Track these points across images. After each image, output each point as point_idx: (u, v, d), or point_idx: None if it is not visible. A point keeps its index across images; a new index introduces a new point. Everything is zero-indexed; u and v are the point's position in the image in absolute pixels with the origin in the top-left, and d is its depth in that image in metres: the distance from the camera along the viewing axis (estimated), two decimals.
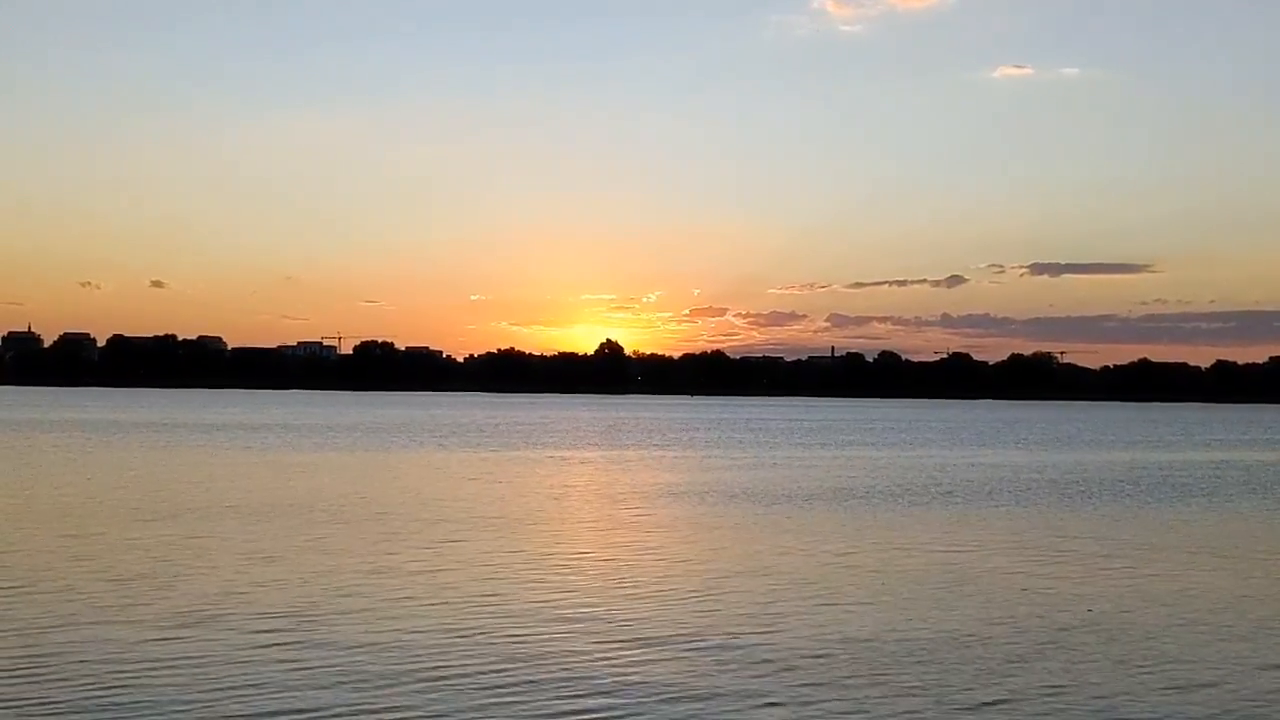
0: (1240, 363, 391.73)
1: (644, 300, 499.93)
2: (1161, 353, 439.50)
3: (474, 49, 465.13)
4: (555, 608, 25.68)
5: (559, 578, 29.72)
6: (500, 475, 62.14)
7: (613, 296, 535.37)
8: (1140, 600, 28.01)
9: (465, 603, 25.99)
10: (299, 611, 24.49)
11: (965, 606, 26.79)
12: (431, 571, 30.01)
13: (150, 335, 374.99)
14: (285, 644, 21.60)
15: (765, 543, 37.06)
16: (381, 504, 46.27)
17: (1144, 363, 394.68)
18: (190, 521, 39.43)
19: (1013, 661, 21.66)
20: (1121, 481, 64.83)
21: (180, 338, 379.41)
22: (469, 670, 20.21)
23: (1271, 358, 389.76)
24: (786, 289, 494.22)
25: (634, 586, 28.63)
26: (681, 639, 22.89)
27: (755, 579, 30.00)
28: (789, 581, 29.72)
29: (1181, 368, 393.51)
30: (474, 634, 22.97)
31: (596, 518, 43.73)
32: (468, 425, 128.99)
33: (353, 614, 24.47)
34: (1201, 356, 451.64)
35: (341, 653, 21.04)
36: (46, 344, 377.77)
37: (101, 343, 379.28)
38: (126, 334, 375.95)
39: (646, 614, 25.23)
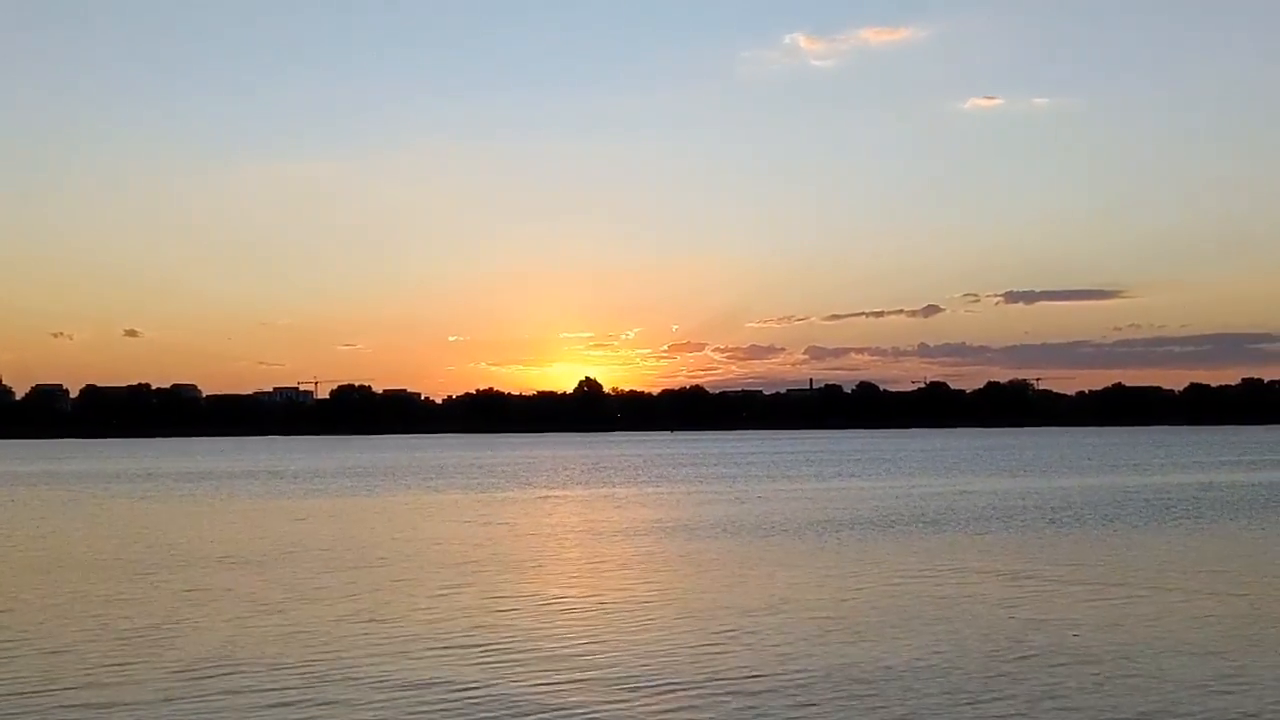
0: (1213, 385, 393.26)
1: (622, 337, 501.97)
2: (1136, 377, 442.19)
3: (449, 91, 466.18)
4: (557, 652, 26.09)
5: (561, 621, 30.13)
6: (492, 517, 62.52)
7: (591, 334, 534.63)
8: (1123, 624, 28.57)
9: (472, 650, 26.32)
10: (304, 666, 24.64)
11: (949, 633, 27.35)
12: (434, 620, 30.28)
13: (124, 385, 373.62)
14: (293, 703, 21.63)
15: (752, 576, 37.58)
16: (377, 550, 46.59)
17: (1119, 387, 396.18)
18: (185, 573, 39.73)
19: (996, 687, 22.19)
20: (1101, 505, 65.44)
21: (154, 386, 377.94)
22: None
23: (1244, 379, 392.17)
24: (764, 323, 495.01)
25: (629, 628, 29.06)
26: (669, 671, 23.40)
27: (741, 612, 30.51)
28: (775, 613, 30.26)
29: (1155, 391, 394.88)
30: (482, 684, 23.34)
31: (590, 557, 44.15)
32: (452, 467, 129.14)
33: (358, 666, 24.76)
34: (1175, 379, 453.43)
35: (350, 710, 21.27)
36: (18, 396, 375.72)
37: (74, 393, 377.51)
38: (99, 384, 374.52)
39: (640, 652, 25.69)
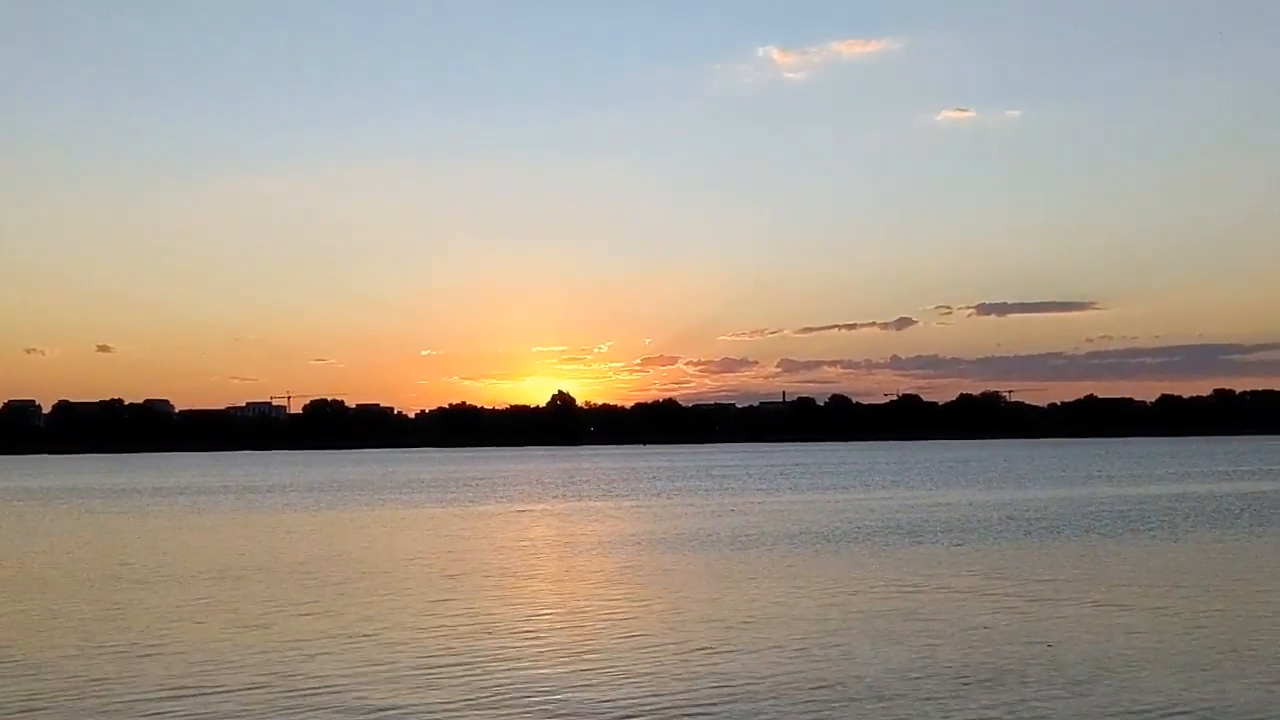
0: (1185, 396, 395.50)
1: (595, 351, 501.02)
2: (1107, 388, 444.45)
3: (423, 107, 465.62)
4: (542, 669, 26.37)
5: (546, 637, 30.36)
6: (471, 531, 62.70)
7: (564, 348, 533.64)
8: (1097, 634, 28.92)
9: (458, 667, 26.56)
10: (287, 684, 24.80)
11: (925, 644, 27.66)
12: (419, 637, 30.47)
13: (96, 400, 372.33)
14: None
15: (728, 589, 37.82)
16: (358, 565, 46.70)
17: (1090, 399, 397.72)
18: (165, 588, 39.84)
19: (971, 699, 22.49)
20: (1075, 517, 65.85)
21: (127, 402, 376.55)
22: None
23: (1215, 390, 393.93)
24: (737, 336, 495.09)
25: (611, 645, 29.32)
26: (649, 687, 23.66)
27: (718, 625, 30.78)
28: (751, 627, 30.52)
29: (1127, 403, 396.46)
30: (466, 703, 23.56)
31: (570, 572, 44.33)
32: (428, 481, 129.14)
33: (343, 685, 24.89)
34: (1147, 391, 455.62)
35: None
36: None
37: (47, 409, 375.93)
38: (72, 400, 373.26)
39: (620, 668, 25.96)
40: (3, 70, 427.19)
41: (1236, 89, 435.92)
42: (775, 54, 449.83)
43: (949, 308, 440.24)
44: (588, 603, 35.86)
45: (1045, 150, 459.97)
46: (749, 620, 31.64)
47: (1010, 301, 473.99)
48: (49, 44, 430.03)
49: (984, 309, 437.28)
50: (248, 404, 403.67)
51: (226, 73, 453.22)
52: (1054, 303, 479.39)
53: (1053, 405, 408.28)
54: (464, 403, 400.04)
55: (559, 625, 31.56)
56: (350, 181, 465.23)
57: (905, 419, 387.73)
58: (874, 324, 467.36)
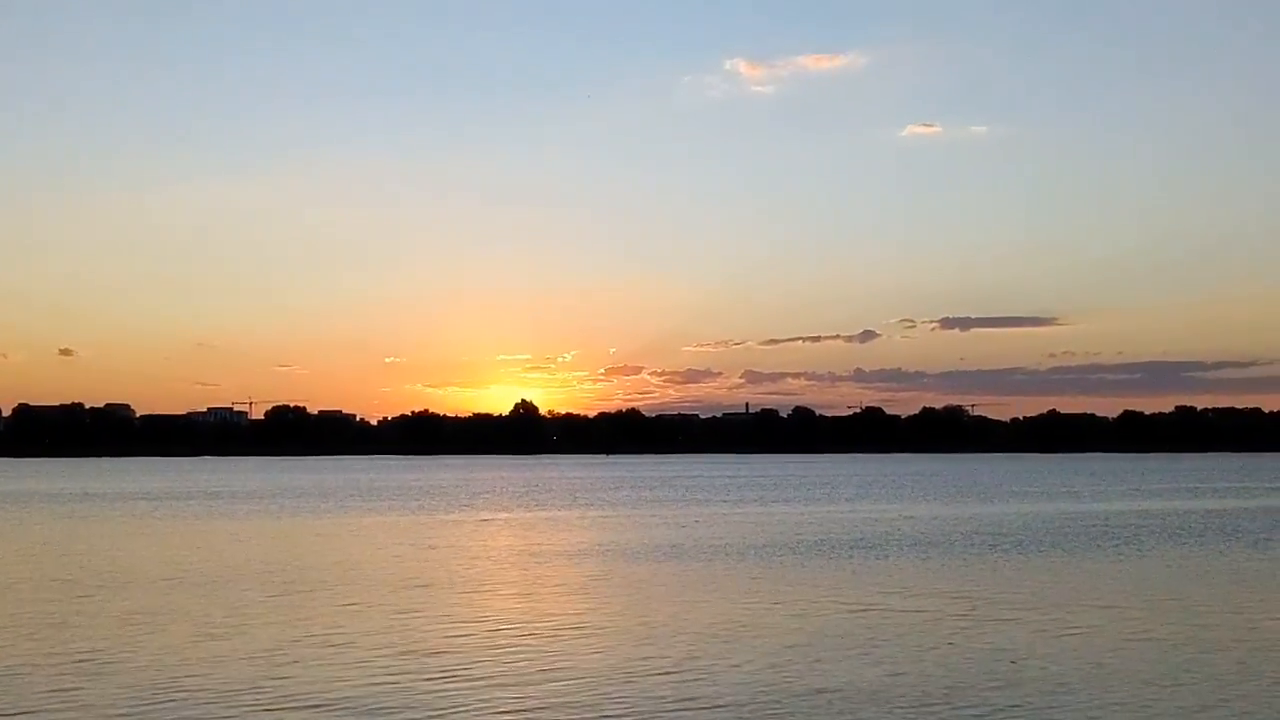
0: (1147, 412, 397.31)
1: (559, 360, 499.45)
2: (1070, 404, 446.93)
3: (388, 112, 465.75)
4: (510, 678, 26.44)
5: (513, 646, 30.40)
6: (436, 540, 62.57)
7: (528, 356, 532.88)
8: (1059, 650, 29.15)
9: (423, 675, 26.65)
10: (253, 692, 24.82)
11: (888, 660, 27.83)
12: (385, 644, 30.51)
13: (57, 404, 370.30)
14: None
15: (693, 599, 37.96)
16: (322, 573, 46.63)
17: (1053, 414, 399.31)
18: (129, 594, 39.74)
19: (934, 712, 22.68)
20: (1038, 532, 66.25)
21: (88, 406, 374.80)
22: None
23: (1178, 407, 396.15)
24: (701, 347, 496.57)
25: (577, 653, 29.44)
26: (614, 697, 23.78)
27: (682, 636, 30.92)
28: (715, 638, 30.70)
29: (1089, 418, 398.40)
30: (432, 710, 23.61)
31: (535, 580, 44.40)
32: (391, 489, 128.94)
33: (309, 691, 24.96)
34: (1109, 407, 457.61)
35: None
36: None
37: (6, 413, 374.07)
38: (32, 403, 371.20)
39: (585, 678, 26.05)
40: None
41: (1203, 110, 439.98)
42: (743, 66, 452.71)
43: (913, 321, 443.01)
44: (555, 614, 35.91)
45: (1010, 166, 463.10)
46: (713, 634, 31.75)
47: (974, 316, 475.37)
48: (9, 46, 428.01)
49: (948, 323, 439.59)
50: (209, 409, 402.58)
51: (192, 78, 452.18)
52: (1017, 318, 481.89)
53: (1015, 420, 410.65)
54: (426, 410, 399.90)
55: (528, 636, 31.54)
56: (315, 188, 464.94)
57: (868, 432, 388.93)
58: (838, 336, 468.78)
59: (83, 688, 24.80)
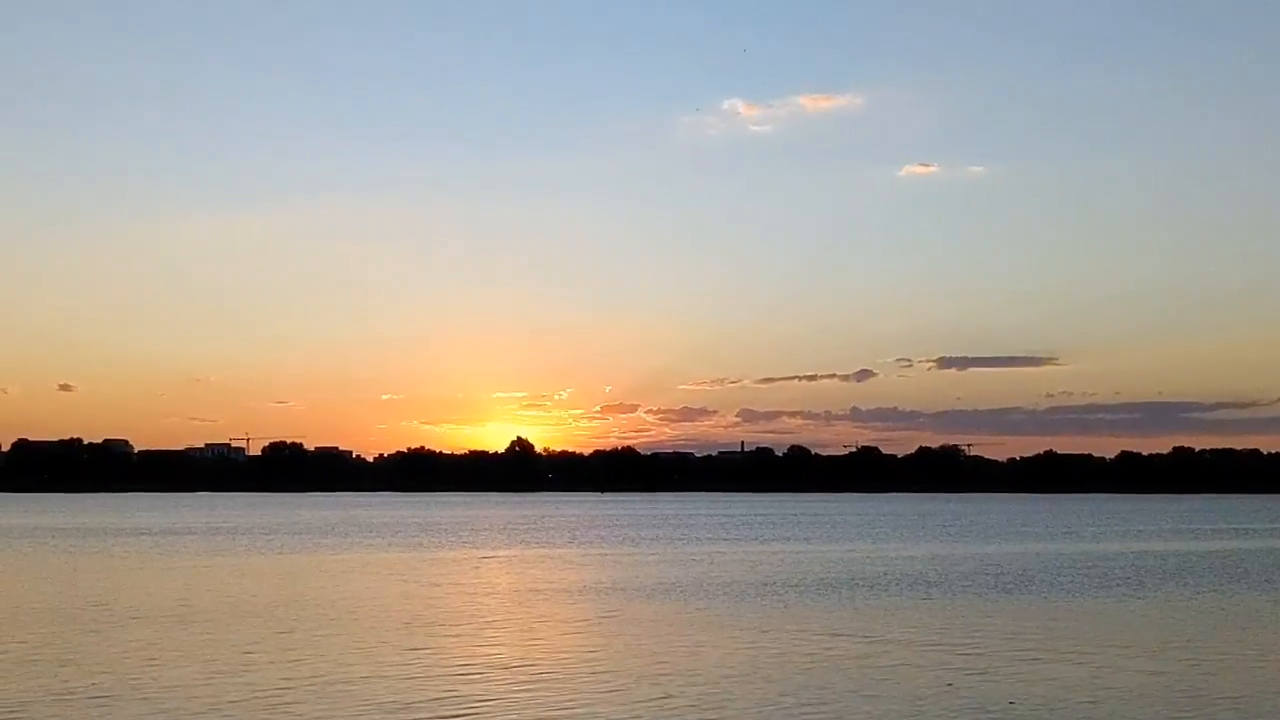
0: (1145, 453, 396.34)
1: (555, 398, 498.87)
2: (1067, 444, 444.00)
3: (386, 149, 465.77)
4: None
5: (525, 686, 30.54)
6: (439, 577, 62.67)
7: (524, 394, 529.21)
8: (1060, 692, 29.34)
9: (441, 715, 26.79)
10: None
11: (886, 701, 28.00)
12: (393, 684, 30.60)
13: (55, 439, 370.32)
14: None
15: (697, 639, 38.15)
16: (327, 610, 46.75)
17: (1050, 454, 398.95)
18: (138, 630, 39.84)
19: None
20: (1038, 572, 66.46)
21: (86, 441, 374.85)
22: None
23: (1175, 448, 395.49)
24: (697, 385, 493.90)
25: (582, 691, 29.66)
26: None
27: (691, 676, 31.09)
28: (717, 678, 30.88)
29: (1087, 459, 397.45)
30: None
31: (541, 618, 44.54)
32: (390, 525, 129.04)
33: None
34: (1106, 447, 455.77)
35: None
36: None
37: (5, 447, 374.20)
38: (31, 438, 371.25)
39: (591, 711, 26.33)
40: None
41: (1202, 151, 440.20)
42: (741, 106, 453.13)
43: (909, 360, 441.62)
44: (565, 653, 36.13)
45: (1008, 206, 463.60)
46: (719, 672, 31.95)
47: (971, 355, 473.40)
48: (10, 79, 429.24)
49: (945, 362, 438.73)
50: (207, 445, 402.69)
51: (190, 112, 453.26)
52: (1014, 357, 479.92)
53: (1012, 460, 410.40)
54: (423, 447, 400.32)
55: (540, 678, 31.49)
56: (313, 225, 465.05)
57: (864, 471, 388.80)
58: (834, 375, 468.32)
59: None
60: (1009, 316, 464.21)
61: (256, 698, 27.93)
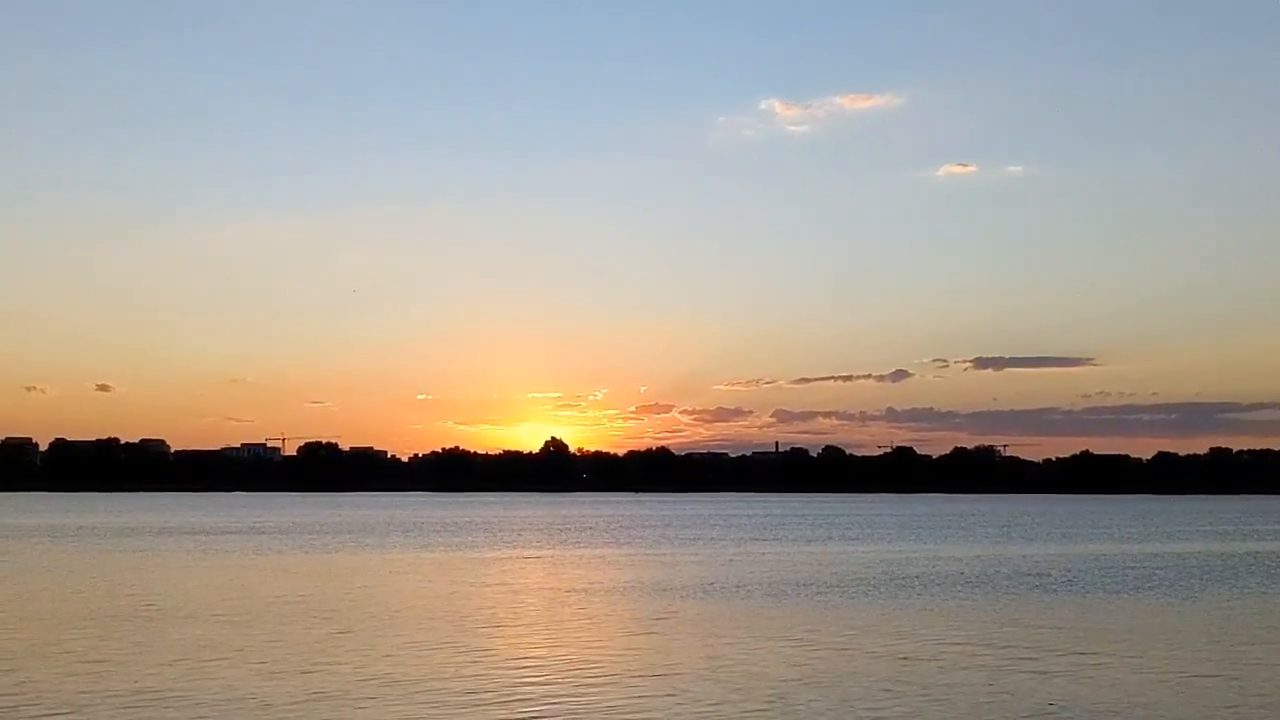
0: (1181, 454, 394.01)
1: (590, 398, 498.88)
2: (1103, 445, 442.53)
3: (425, 152, 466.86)
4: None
5: (594, 687, 30.84)
6: (486, 577, 63.13)
7: (559, 394, 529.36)
8: (1100, 693, 29.54)
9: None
10: None
11: (929, 701, 28.28)
12: (456, 684, 30.93)
13: (93, 439, 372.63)
14: None
15: (751, 640, 38.46)
16: (382, 608, 47.24)
17: (1086, 455, 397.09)
18: (192, 630, 40.25)
19: None
20: (1077, 573, 66.57)
21: (123, 441, 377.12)
22: None
23: (1212, 449, 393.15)
24: (732, 385, 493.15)
25: (605, 687, 30.03)
26: None
27: (750, 678, 31.46)
28: (763, 678, 31.20)
29: (1123, 460, 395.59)
30: None
31: (594, 618, 44.95)
32: (429, 525, 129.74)
33: None
34: (1143, 448, 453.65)
35: None
36: None
37: (44, 447, 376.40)
38: (69, 438, 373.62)
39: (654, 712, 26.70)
40: (6, 109, 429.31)
41: (1240, 151, 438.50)
42: (778, 106, 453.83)
43: (946, 361, 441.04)
44: (624, 654, 36.31)
45: (1046, 207, 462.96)
46: (771, 672, 32.34)
47: (1007, 356, 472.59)
48: (49, 86, 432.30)
49: (981, 363, 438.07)
50: (243, 445, 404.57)
51: (228, 118, 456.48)
52: (1051, 358, 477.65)
53: (1048, 461, 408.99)
54: (457, 447, 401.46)
55: (600, 679, 31.43)
56: (349, 227, 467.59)
57: (899, 472, 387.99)
58: (870, 376, 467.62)
59: None
60: (1046, 317, 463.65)
61: (323, 698, 28.05)
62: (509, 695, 28.64)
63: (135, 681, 30.04)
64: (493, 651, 36.04)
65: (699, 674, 32.05)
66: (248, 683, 29.97)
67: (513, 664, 33.53)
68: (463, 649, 36.37)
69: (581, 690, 29.55)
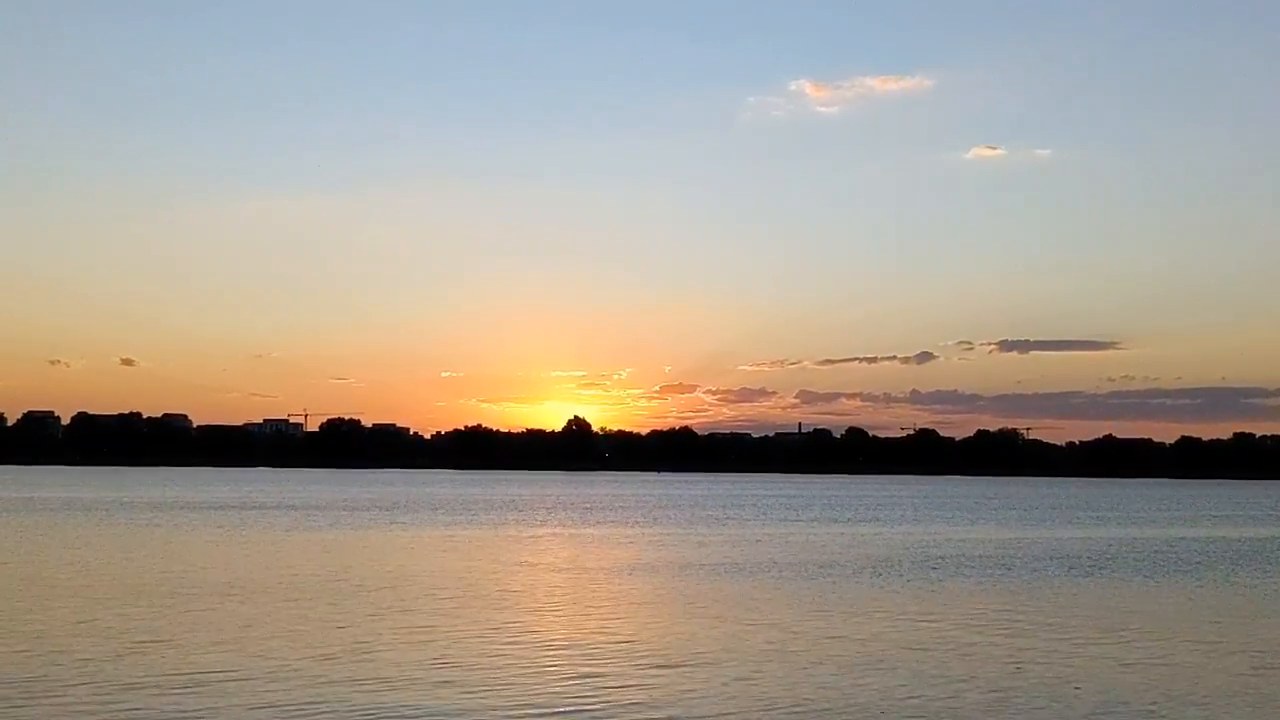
0: (1205, 439, 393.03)
1: (614, 377, 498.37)
2: (1127, 429, 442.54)
3: (448, 130, 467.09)
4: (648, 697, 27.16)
5: (640, 668, 31.13)
6: (522, 556, 63.54)
7: (583, 373, 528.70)
8: (1125, 676, 29.74)
9: (576, 700, 27.37)
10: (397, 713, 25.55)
11: (954, 684, 28.38)
12: (522, 668, 31.14)
13: (115, 413, 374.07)
14: None
15: (772, 619, 38.79)
16: (425, 587, 47.40)
17: (1109, 439, 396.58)
18: (236, 607, 40.37)
19: None
20: (1104, 556, 66.82)
21: (145, 415, 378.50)
22: None
23: (1236, 434, 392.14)
24: (756, 365, 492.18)
25: (627, 666, 30.34)
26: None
27: (737, 656, 31.77)
28: (794, 659, 31.50)
29: (1147, 444, 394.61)
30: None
31: (626, 597, 45.25)
32: (454, 503, 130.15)
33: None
34: (1167, 433, 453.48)
35: None
36: (10, 422, 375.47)
37: (66, 420, 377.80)
38: (91, 412, 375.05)
39: (634, 689, 26.99)
40: (31, 86, 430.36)
41: (1267, 135, 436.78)
42: (808, 87, 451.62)
43: (970, 343, 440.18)
44: (667, 633, 36.42)
45: (1073, 190, 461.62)
46: (800, 653, 32.58)
47: (1032, 339, 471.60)
48: (78, 57, 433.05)
49: (1006, 345, 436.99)
50: (265, 421, 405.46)
51: (254, 92, 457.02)
52: (1076, 341, 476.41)
53: (1071, 444, 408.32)
54: (480, 425, 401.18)
55: (656, 664, 31.11)
56: (373, 204, 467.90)
57: (922, 454, 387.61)
58: (894, 357, 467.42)
59: (202, 711, 24.35)
60: (1072, 300, 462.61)
61: (385, 682, 27.80)
62: (570, 677, 28.77)
63: (189, 658, 29.91)
64: (543, 634, 35.89)
65: (743, 655, 32.26)
66: (302, 662, 29.82)
67: (569, 648, 33.16)
68: (521, 630, 36.36)
69: (633, 669, 29.81)
